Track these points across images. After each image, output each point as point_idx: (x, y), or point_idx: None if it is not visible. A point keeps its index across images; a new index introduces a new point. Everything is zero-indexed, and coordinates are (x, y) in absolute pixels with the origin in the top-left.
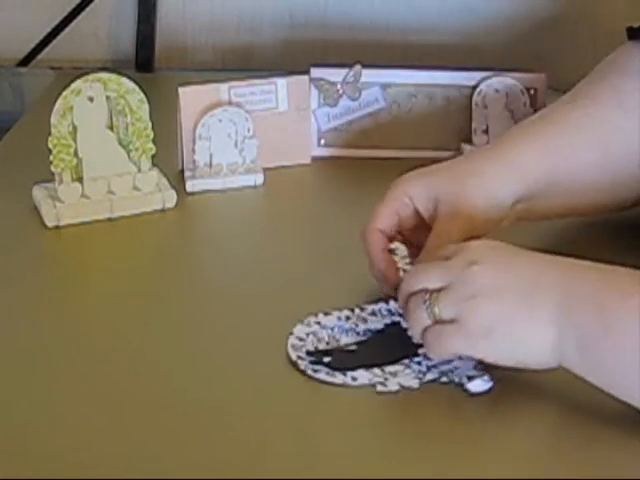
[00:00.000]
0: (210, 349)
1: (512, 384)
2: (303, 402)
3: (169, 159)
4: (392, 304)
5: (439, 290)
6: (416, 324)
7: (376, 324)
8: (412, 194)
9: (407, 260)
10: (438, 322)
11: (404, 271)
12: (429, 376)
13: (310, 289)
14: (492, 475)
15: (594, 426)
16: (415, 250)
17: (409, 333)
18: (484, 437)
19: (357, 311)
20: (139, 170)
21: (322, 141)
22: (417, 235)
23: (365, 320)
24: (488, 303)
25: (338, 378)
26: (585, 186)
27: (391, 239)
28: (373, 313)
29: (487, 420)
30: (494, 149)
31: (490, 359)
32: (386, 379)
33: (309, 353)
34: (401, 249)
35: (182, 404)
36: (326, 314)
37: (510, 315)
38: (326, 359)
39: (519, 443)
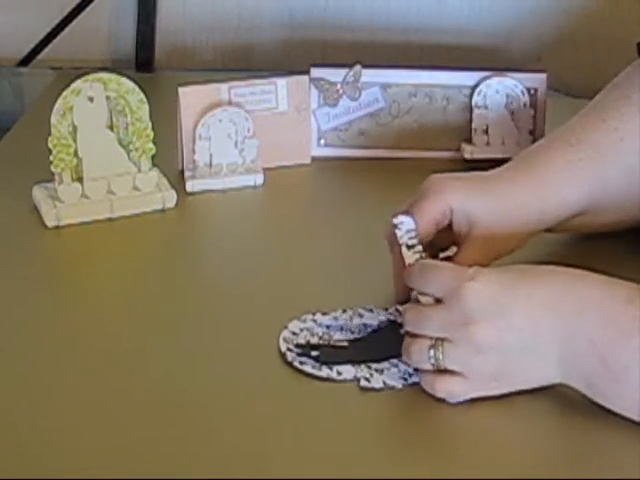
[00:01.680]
0: (209, 347)
1: None
2: (290, 396)
3: (169, 159)
4: (391, 309)
5: (442, 339)
6: (415, 365)
7: (371, 320)
8: (453, 207)
9: (412, 234)
10: (440, 370)
11: (407, 247)
12: (414, 378)
13: (310, 289)
14: (483, 475)
15: (590, 424)
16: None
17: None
18: (474, 438)
19: (355, 314)
20: (139, 170)
21: (322, 141)
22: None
23: (361, 315)
24: (493, 357)
25: (323, 372)
26: (612, 213)
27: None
28: (370, 310)
29: (480, 420)
30: (539, 178)
31: (497, 393)
32: (371, 375)
33: (298, 346)
34: (406, 222)
35: (181, 403)
36: (324, 314)
37: (516, 363)
38: (314, 353)
39: (511, 445)
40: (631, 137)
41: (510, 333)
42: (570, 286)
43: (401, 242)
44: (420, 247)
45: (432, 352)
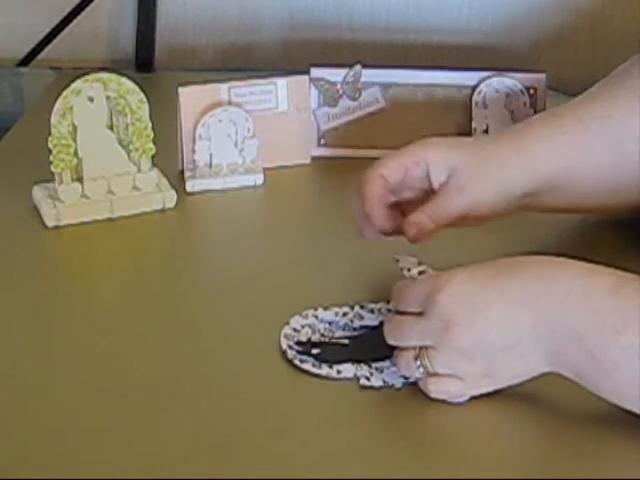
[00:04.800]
0: (209, 345)
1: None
2: (290, 393)
3: (169, 159)
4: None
5: (425, 347)
6: (407, 375)
7: (372, 321)
8: (430, 160)
9: (414, 263)
10: (432, 375)
11: (407, 270)
12: None
13: (309, 289)
14: (482, 474)
15: (588, 423)
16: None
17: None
18: (472, 439)
19: (357, 308)
20: (139, 170)
21: (322, 141)
22: (418, 199)
23: (362, 317)
24: (478, 358)
25: (323, 370)
26: (596, 186)
27: (392, 192)
28: (372, 311)
29: (479, 419)
30: (516, 140)
31: (492, 389)
32: (371, 374)
33: (299, 343)
34: (409, 258)
35: (181, 400)
36: (325, 309)
37: (503, 361)
38: (315, 351)
39: (511, 444)
40: (618, 114)
41: (490, 333)
42: (549, 280)
43: (402, 266)
44: (421, 267)
45: (419, 361)
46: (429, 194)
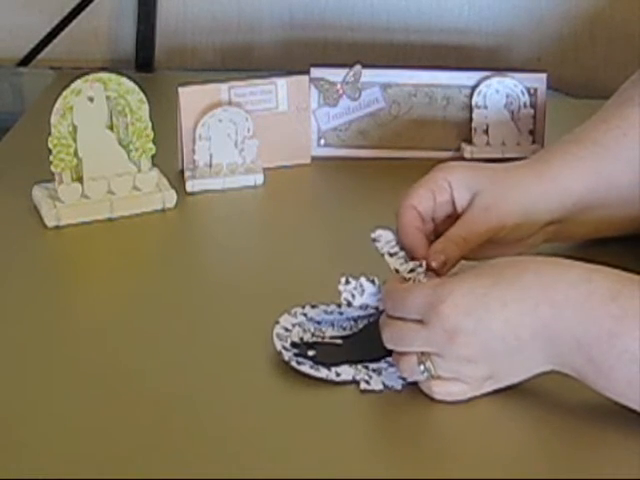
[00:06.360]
0: (207, 347)
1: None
2: (288, 396)
3: (169, 159)
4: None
5: (428, 353)
6: (410, 378)
7: (363, 317)
8: (452, 181)
9: (393, 244)
10: (435, 378)
11: (389, 254)
12: None
13: (309, 289)
14: (485, 475)
15: (587, 425)
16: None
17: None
18: (469, 439)
19: (344, 308)
20: (139, 170)
21: (322, 141)
22: (447, 226)
23: (351, 311)
24: (482, 364)
25: (322, 372)
26: (621, 205)
27: (426, 220)
28: (361, 307)
29: (481, 419)
30: (539, 168)
31: (495, 387)
32: (370, 377)
33: (294, 345)
34: (385, 235)
35: (180, 403)
36: (313, 307)
37: (506, 365)
38: (311, 352)
39: (514, 445)
40: (634, 132)
41: (494, 341)
42: (548, 287)
43: (382, 252)
44: (402, 254)
45: (422, 366)
46: (457, 219)
